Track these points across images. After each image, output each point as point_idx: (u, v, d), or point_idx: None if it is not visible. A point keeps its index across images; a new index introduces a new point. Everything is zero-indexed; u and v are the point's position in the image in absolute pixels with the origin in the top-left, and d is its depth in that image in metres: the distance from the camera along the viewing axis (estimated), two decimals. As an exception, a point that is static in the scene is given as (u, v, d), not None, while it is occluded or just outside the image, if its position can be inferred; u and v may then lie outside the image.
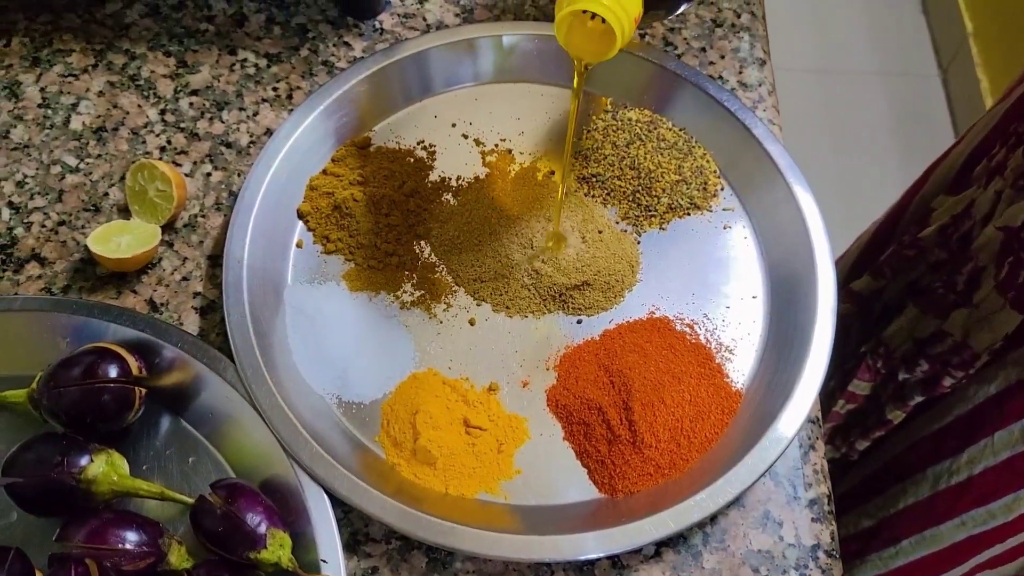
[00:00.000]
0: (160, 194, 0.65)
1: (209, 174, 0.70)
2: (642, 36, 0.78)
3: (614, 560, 0.58)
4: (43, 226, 0.67)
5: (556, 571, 0.58)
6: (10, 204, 0.68)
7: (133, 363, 0.58)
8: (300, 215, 0.68)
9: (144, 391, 0.58)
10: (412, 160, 0.71)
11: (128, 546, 0.52)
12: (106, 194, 0.69)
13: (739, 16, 0.80)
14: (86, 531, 0.52)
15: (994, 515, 0.75)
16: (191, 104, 0.73)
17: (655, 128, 0.73)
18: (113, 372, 0.57)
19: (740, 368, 0.64)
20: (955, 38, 2.02)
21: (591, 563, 0.58)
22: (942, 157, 0.85)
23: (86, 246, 0.65)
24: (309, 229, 0.68)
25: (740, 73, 0.78)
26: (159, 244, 0.65)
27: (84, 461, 0.54)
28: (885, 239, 0.90)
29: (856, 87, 2.06)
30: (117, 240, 0.64)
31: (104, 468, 0.54)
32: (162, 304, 0.65)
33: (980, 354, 0.72)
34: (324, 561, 0.54)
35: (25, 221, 0.67)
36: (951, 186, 0.79)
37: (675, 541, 0.59)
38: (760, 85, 0.77)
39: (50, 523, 0.54)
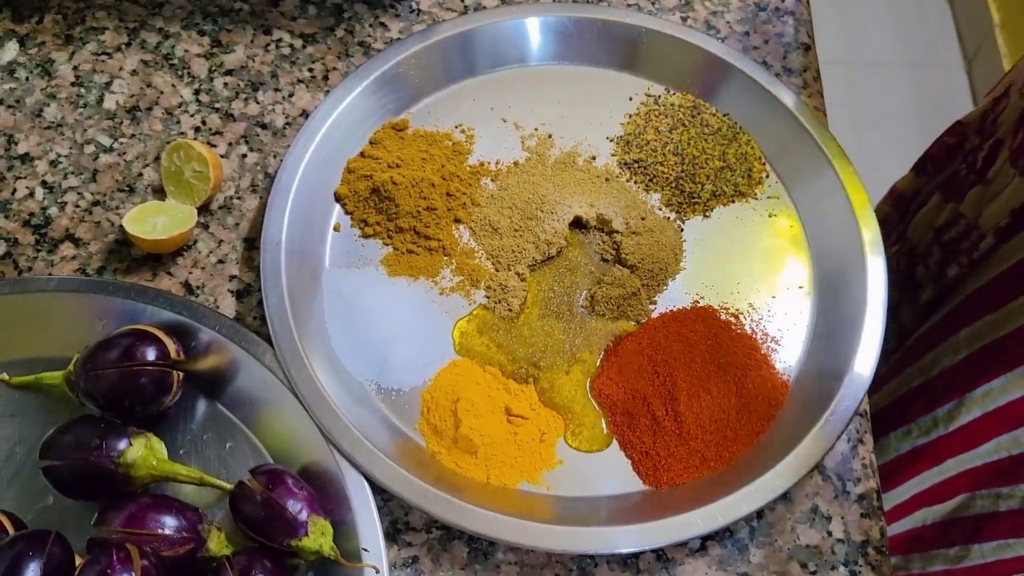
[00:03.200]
0: (196, 175, 0.64)
1: (244, 155, 0.69)
2: (684, 20, 0.77)
3: (659, 553, 0.57)
4: (77, 206, 0.66)
5: (599, 564, 0.57)
6: (44, 183, 0.67)
7: (171, 346, 0.57)
8: (337, 198, 0.67)
9: (182, 375, 0.57)
10: (450, 143, 0.70)
11: (167, 531, 0.51)
12: (140, 174, 0.68)
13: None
14: (125, 516, 0.51)
15: (936, 424, 0.74)
16: (225, 84, 0.72)
17: (698, 113, 0.71)
18: (151, 355, 0.56)
19: (786, 359, 0.63)
20: (980, 29, 1.99)
21: (635, 556, 0.57)
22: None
23: (121, 227, 0.64)
24: (347, 212, 0.67)
25: (784, 58, 0.76)
26: (195, 226, 0.64)
27: (123, 445, 0.53)
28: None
29: (880, 78, 2.03)
30: (153, 221, 0.63)
31: (143, 452, 0.53)
32: (198, 287, 0.64)
33: (985, 234, 0.70)
34: (365, 550, 0.53)
35: (59, 201, 0.66)
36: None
37: (721, 535, 0.58)
38: (805, 71, 0.76)
39: (86, 507, 0.54)
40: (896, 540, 0.80)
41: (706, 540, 0.58)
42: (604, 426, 0.60)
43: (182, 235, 0.63)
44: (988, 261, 0.72)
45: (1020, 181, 0.67)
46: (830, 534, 0.58)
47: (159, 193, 0.67)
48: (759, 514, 0.58)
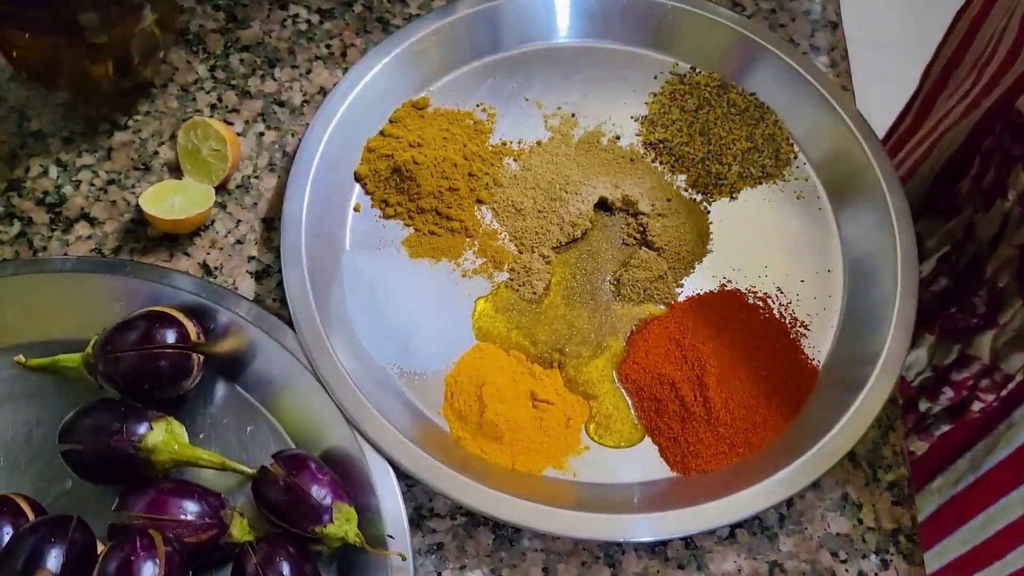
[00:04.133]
0: (214, 153, 0.63)
1: (262, 134, 0.68)
2: (709, -4, 0.75)
3: (687, 541, 0.56)
4: (92, 185, 0.65)
5: (627, 551, 0.56)
6: (58, 161, 0.65)
7: (191, 328, 0.56)
8: (357, 178, 0.66)
9: (202, 357, 0.56)
10: (472, 122, 0.68)
11: (190, 517, 0.50)
12: (156, 152, 0.66)
13: (810, -23, 0.77)
14: (146, 501, 0.50)
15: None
16: (242, 61, 0.71)
17: (725, 92, 0.70)
18: (171, 337, 0.54)
19: (816, 344, 0.62)
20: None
21: (663, 543, 0.56)
22: (907, 174, 0.80)
23: (137, 206, 0.63)
24: (367, 193, 0.65)
25: (811, 36, 0.75)
26: (213, 206, 0.63)
27: (143, 429, 0.52)
28: None
29: (905, 58, 2.00)
30: (170, 201, 0.62)
31: (164, 436, 0.52)
32: (216, 268, 0.63)
33: (1014, 375, 0.69)
34: (391, 536, 0.52)
35: (73, 179, 0.65)
36: (932, 206, 0.75)
37: (750, 522, 0.57)
38: (833, 49, 0.74)
39: (106, 491, 0.53)
40: None
41: (735, 528, 0.57)
42: (634, 418, 0.59)
43: (200, 215, 0.62)
44: None
45: None
46: (861, 522, 0.57)
47: (175, 172, 0.65)
48: (789, 502, 0.57)
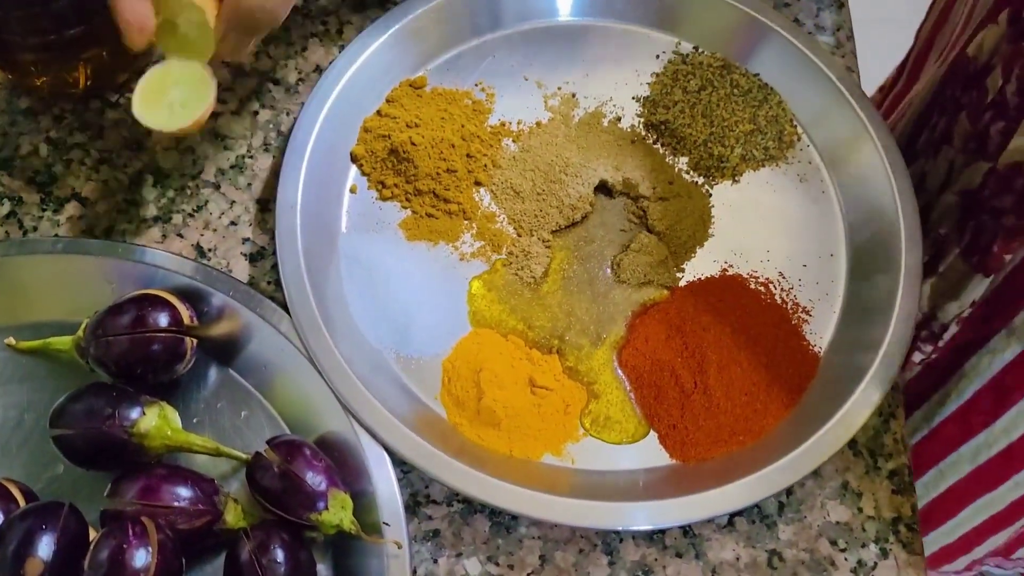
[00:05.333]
0: (193, 25, 0.54)
1: (256, 112, 0.67)
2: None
3: (685, 529, 0.56)
4: (83, 164, 0.63)
5: (624, 539, 0.55)
6: (48, 140, 0.64)
7: (184, 311, 0.55)
8: (354, 159, 0.65)
9: (195, 341, 0.55)
10: (470, 102, 0.67)
11: (183, 504, 0.50)
12: (148, 131, 0.65)
13: (816, -45, 0.76)
14: (139, 487, 0.50)
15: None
16: (236, 37, 0.69)
17: (728, 73, 0.69)
18: (164, 321, 0.54)
19: (818, 330, 0.61)
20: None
21: (661, 531, 0.56)
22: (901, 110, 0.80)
23: (130, 184, 0.62)
24: (363, 174, 0.64)
25: (816, 16, 0.73)
26: (215, 99, 0.55)
27: (136, 414, 0.51)
28: None
29: (897, 37, 1.98)
30: (167, 101, 0.55)
31: (157, 422, 0.51)
32: (209, 250, 0.62)
33: (948, 324, 0.69)
34: (386, 524, 0.52)
35: (64, 158, 0.63)
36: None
37: (748, 511, 0.56)
38: (838, 29, 0.73)
39: (98, 477, 0.52)
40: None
41: (733, 516, 0.56)
42: (638, 415, 0.58)
43: (208, 108, 0.54)
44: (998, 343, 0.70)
45: (979, 278, 0.65)
46: (861, 511, 0.57)
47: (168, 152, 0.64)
48: (788, 490, 0.57)
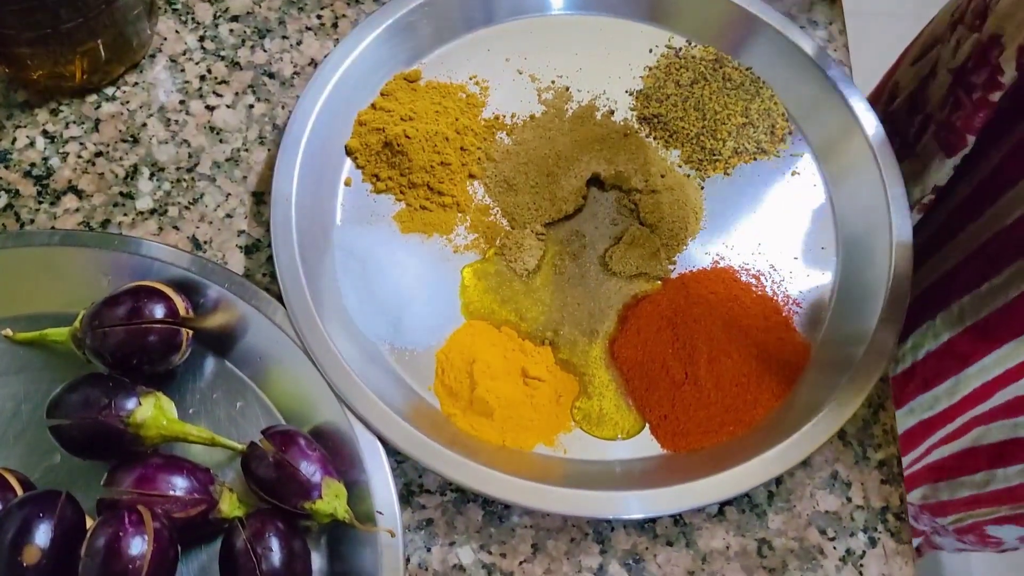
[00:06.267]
0: None
1: (252, 106, 0.67)
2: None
3: (676, 518, 0.56)
4: (79, 157, 0.64)
5: (616, 527, 0.56)
6: (44, 133, 0.64)
7: (180, 303, 0.55)
8: (348, 151, 0.65)
9: (191, 332, 0.56)
10: (464, 96, 0.68)
11: (179, 492, 0.50)
12: (144, 124, 0.65)
13: (809, -51, 0.76)
14: (135, 476, 0.50)
15: (939, 399, 0.74)
16: (231, 31, 0.70)
17: (720, 67, 0.69)
18: (159, 312, 0.54)
19: (808, 322, 0.62)
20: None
21: (652, 520, 0.56)
22: (916, 39, 0.81)
23: (125, 178, 0.62)
24: (358, 167, 0.65)
25: (809, 10, 0.74)
26: None
27: (132, 404, 0.51)
28: None
29: (900, 31, 1.98)
30: None
31: (153, 412, 0.52)
32: (205, 242, 0.62)
33: (912, 207, 0.69)
34: (380, 513, 0.52)
35: (61, 151, 0.64)
36: (918, 57, 0.76)
37: (739, 500, 0.57)
38: (831, 23, 0.73)
39: (94, 466, 0.53)
40: (915, 476, 0.80)
41: (724, 505, 0.57)
42: (630, 410, 0.58)
43: None
44: (936, 255, 0.71)
45: (941, 159, 0.66)
46: (850, 500, 0.57)
47: (163, 145, 0.65)
48: (778, 479, 0.57)
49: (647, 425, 0.58)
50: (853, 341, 0.59)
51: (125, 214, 0.62)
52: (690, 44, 0.71)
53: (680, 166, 0.66)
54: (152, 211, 0.62)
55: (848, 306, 0.61)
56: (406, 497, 0.56)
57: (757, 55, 0.69)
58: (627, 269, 0.62)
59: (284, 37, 0.70)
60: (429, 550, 0.55)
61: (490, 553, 0.55)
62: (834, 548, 0.56)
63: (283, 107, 0.67)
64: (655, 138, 0.67)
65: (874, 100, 0.83)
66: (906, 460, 0.81)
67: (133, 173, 0.64)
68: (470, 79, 0.69)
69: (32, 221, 0.61)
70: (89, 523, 0.49)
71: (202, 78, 0.68)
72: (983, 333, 0.66)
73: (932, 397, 0.74)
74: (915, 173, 0.69)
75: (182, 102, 0.66)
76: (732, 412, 0.57)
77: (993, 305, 0.65)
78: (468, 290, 0.61)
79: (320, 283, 0.59)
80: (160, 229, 0.62)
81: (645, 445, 0.58)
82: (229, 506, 0.52)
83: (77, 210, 0.62)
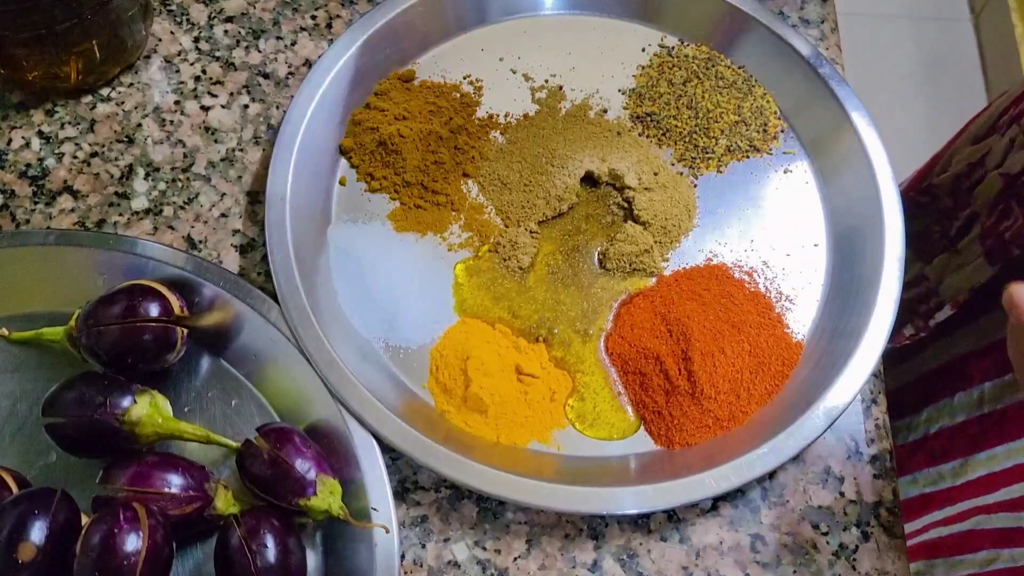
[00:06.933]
0: None
1: (246, 106, 0.67)
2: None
3: (670, 514, 0.57)
4: (75, 157, 0.64)
5: (610, 523, 0.56)
6: (40, 133, 0.65)
7: (174, 302, 0.56)
8: (343, 151, 0.65)
9: (186, 331, 0.56)
10: (458, 95, 0.68)
11: (174, 490, 0.51)
12: (139, 125, 0.66)
13: (801, -52, 0.76)
14: (130, 474, 0.51)
15: (943, 476, 0.73)
16: (226, 32, 0.70)
17: (713, 66, 0.70)
18: (154, 311, 0.54)
19: (801, 319, 0.62)
20: (989, -19, 1.95)
21: (646, 516, 0.56)
22: (984, 110, 0.81)
23: (121, 178, 0.62)
24: (352, 166, 0.65)
25: (802, 9, 0.74)
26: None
27: (127, 402, 0.52)
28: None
29: (886, 31, 2.00)
30: None
31: (148, 410, 0.52)
32: (200, 241, 0.62)
33: (944, 303, 0.69)
34: (375, 509, 0.52)
35: (56, 152, 0.64)
36: (976, 139, 0.76)
37: (732, 495, 0.57)
38: (823, 21, 0.74)
39: (90, 464, 0.53)
40: (912, 550, 0.78)
41: (717, 501, 0.57)
42: (625, 412, 0.59)
43: None
44: (964, 330, 0.71)
45: (983, 262, 0.66)
46: (843, 495, 0.57)
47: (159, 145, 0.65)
48: (771, 475, 0.58)
49: (640, 426, 0.58)
50: (845, 336, 0.59)
51: (120, 214, 0.63)
52: (683, 43, 0.71)
53: (673, 164, 0.67)
54: (147, 211, 0.63)
55: (840, 302, 0.62)
56: (401, 494, 0.56)
57: (749, 54, 0.70)
58: (621, 266, 0.62)
59: (279, 38, 0.70)
60: (424, 546, 0.55)
61: (485, 549, 0.55)
62: (827, 543, 0.56)
63: (278, 107, 0.67)
64: (648, 136, 0.67)
65: (931, 166, 0.82)
66: (906, 529, 0.80)
67: (128, 173, 0.64)
68: (464, 79, 0.69)
69: (28, 221, 0.62)
70: (85, 520, 0.49)
71: (197, 78, 0.68)
72: (999, 422, 0.66)
73: (937, 473, 0.73)
74: (955, 268, 0.69)
75: (177, 102, 0.67)
76: (726, 408, 0.58)
77: (1014, 398, 0.65)
78: (462, 288, 0.61)
79: (315, 281, 0.59)
80: (155, 229, 0.62)
81: (639, 441, 0.58)
82: (224, 503, 0.52)
83: (72, 210, 0.62)
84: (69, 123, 0.65)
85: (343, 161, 0.65)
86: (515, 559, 0.55)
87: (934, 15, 2.03)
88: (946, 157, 0.83)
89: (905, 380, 0.77)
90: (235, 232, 0.63)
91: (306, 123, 0.63)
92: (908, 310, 0.74)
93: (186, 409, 0.57)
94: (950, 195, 0.74)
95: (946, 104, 1.88)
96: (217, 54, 0.69)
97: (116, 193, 0.63)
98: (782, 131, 0.68)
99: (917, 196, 0.79)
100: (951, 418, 0.71)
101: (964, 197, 0.72)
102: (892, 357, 0.78)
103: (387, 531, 0.52)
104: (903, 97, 1.91)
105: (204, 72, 0.68)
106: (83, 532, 0.47)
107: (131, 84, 0.67)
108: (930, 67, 1.95)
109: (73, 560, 0.46)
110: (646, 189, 0.64)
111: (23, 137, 0.64)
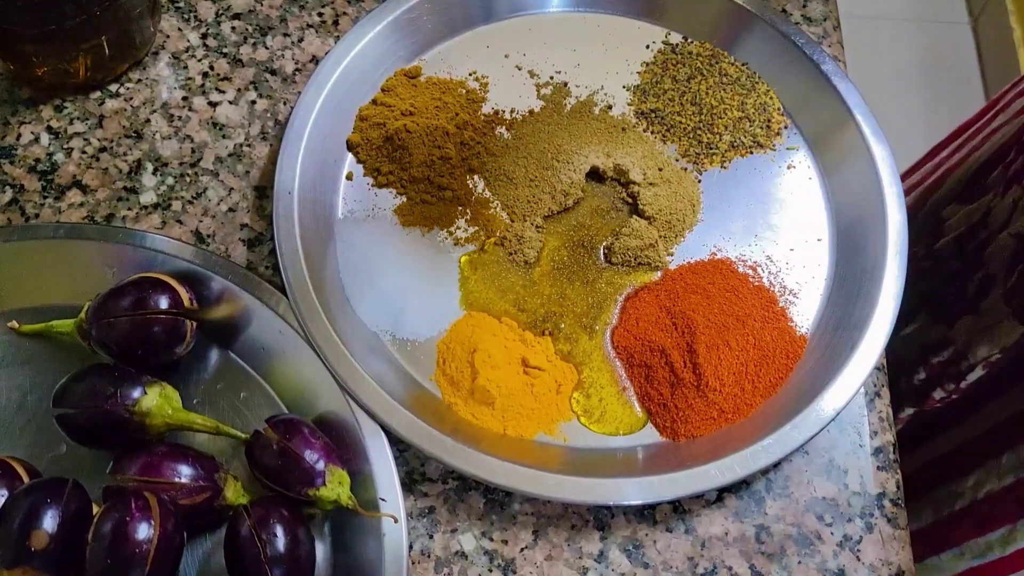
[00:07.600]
0: None
1: (254, 102, 0.68)
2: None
3: (675, 505, 0.57)
4: (84, 152, 0.65)
5: (616, 514, 0.57)
6: (49, 129, 0.65)
7: (184, 294, 0.56)
8: (350, 146, 0.66)
9: (195, 323, 0.56)
10: (464, 91, 0.68)
11: (184, 480, 0.51)
12: (147, 120, 0.66)
13: (803, -53, 0.77)
14: (141, 464, 0.51)
15: (991, 547, 0.72)
16: (233, 28, 0.70)
17: (717, 62, 0.70)
18: (164, 303, 0.55)
19: (804, 312, 0.62)
20: (988, -15, 1.96)
21: (651, 507, 0.57)
22: (956, 164, 0.81)
23: (129, 173, 0.63)
24: (359, 161, 0.66)
25: (804, 7, 0.75)
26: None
27: (137, 393, 0.52)
28: None
29: (885, 34, 2.01)
30: None
31: (158, 401, 0.53)
32: (208, 235, 0.63)
33: (975, 366, 0.69)
34: (383, 500, 0.53)
35: (65, 147, 0.65)
36: (964, 193, 0.75)
37: (737, 487, 0.58)
38: (825, 19, 0.74)
39: (100, 455, 0.53)
40: None
41: (722, 492, 0.57)
42: (631, 407, 0.59)
43: None
44: (1011, 392, 0.70)
45: (1013, 323, 0.66)
46: (846, 486, 0.58)
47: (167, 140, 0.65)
48: (775, 466, 0.58)
49: (647, 422, 0.59)
50: (849, 329, 0.60)
51: (129, 208, 0.63)
52: (687, 40, 0.72)
53: (677, 160, 0.67)
54: (156, 205, 0.63)
55: (844, 295, 0.62)
56: (408, 485, 0.56)
57: (753, 51, 0.70)
58: (626, 261, 0.63)
59: (286, 34, 0.70)
60: (431, 537, 0.55)
61: (492, 540, 0.55)
62: (831, 533, 0.57)
63: (285, 103, 0.68)
64: (653, 132, 0.68)
65: (908, 192, 0.81)
66: None
67: (137, 168, 0.64)
68: (470, 75, 0.69)
69: (37, 215, 0.62)
70: (95, 510, 0.49)
71: (205, 75, 0.68)
72: None
73: (985, 543, 0.72)
74: (981, 331, 0.69)
75: (185, 98, 0.67)
76: (730, 401, 0.58)
77: None
78: (467, 281, 0.62)
79: (322, 275, 0.60)
80: (163, 223, 0.63)
81: (644, 433, 0.58)
82: (233, 494, 0.53)
83: (82, 204, 0.63)
84: (78, 118, 0.66)
85: (350, 156, 0.66)
86: (522, 550, 0.55)
87: (933, 18, 2.04)
88: (927, 209, 0.81)
89: (946, 449, 0.76)
90: (243, 226, 0.63)
91: (313, 119, 0.64)
92: (938, 374, 0.73)
93: (195, 401, 0.57)
94: (956, 258, 0.74)
95: (945, 106, 1.89)
96: (225, 50, 0.69)
97: (125, 188, 0.64)
98: (785, 127, 0.69)
99: (918, 262, 0.79)
100: (999, 481, 0.71)
101: (973, 259, 0.72)
102: (925, 423, 0.78)
103: (396, 520, 0.52)
104: (902, 99, 1.91)
105: (212, 68, 0.69)
106: (95, 520, 0.47)
107: (139, 80, 0.67)
108: (929, 69, 1.96)
109: (85, 548, 0.47)
110: (651, 184, 0.65)
111: (32, 132, 0.65)
